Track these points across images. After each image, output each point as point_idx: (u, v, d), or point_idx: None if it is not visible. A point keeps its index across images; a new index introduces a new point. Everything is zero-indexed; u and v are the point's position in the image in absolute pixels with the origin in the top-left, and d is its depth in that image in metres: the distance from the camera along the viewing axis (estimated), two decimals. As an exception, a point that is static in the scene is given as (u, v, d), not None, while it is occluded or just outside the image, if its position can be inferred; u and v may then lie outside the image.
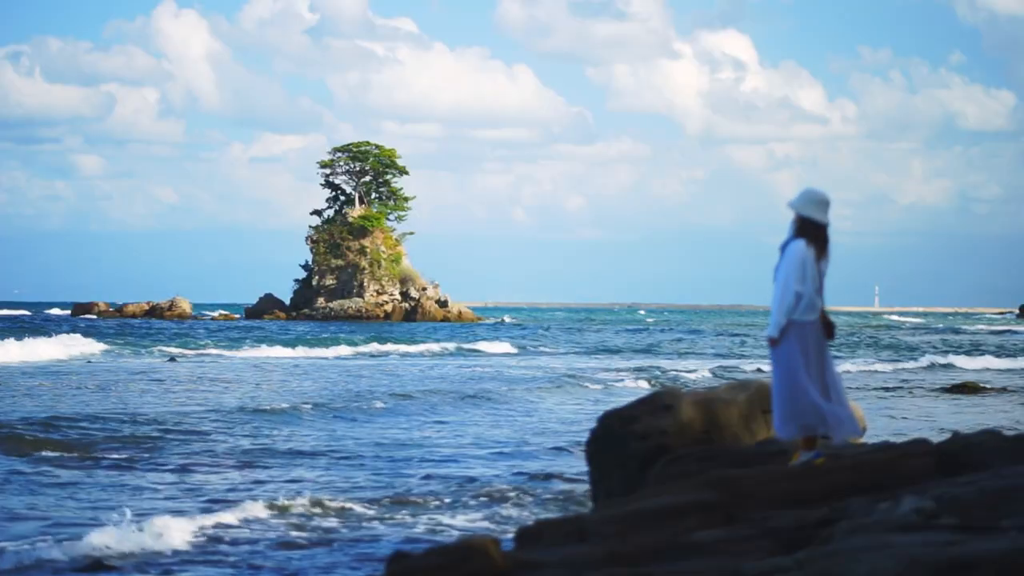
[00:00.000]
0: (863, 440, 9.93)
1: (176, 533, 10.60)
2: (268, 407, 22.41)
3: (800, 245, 8.51)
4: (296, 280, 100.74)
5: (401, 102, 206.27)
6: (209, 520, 11.27)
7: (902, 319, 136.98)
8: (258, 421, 20.40)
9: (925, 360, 43.94)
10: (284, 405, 22.83)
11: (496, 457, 16.50)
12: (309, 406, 22.64)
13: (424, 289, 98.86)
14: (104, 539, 10.26)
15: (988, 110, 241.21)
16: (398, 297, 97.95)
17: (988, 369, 40.00)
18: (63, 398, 24.22)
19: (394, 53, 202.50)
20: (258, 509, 11.86)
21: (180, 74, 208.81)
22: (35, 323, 79.64)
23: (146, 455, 16.18)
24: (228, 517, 11.48)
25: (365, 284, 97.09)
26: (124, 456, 16.03)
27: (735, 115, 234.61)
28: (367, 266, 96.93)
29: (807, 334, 8.51)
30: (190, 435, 18.26)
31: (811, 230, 8.53)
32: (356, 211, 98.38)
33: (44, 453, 16.09)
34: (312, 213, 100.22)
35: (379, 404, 23.81)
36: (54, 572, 9.62)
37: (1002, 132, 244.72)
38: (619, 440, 10.54)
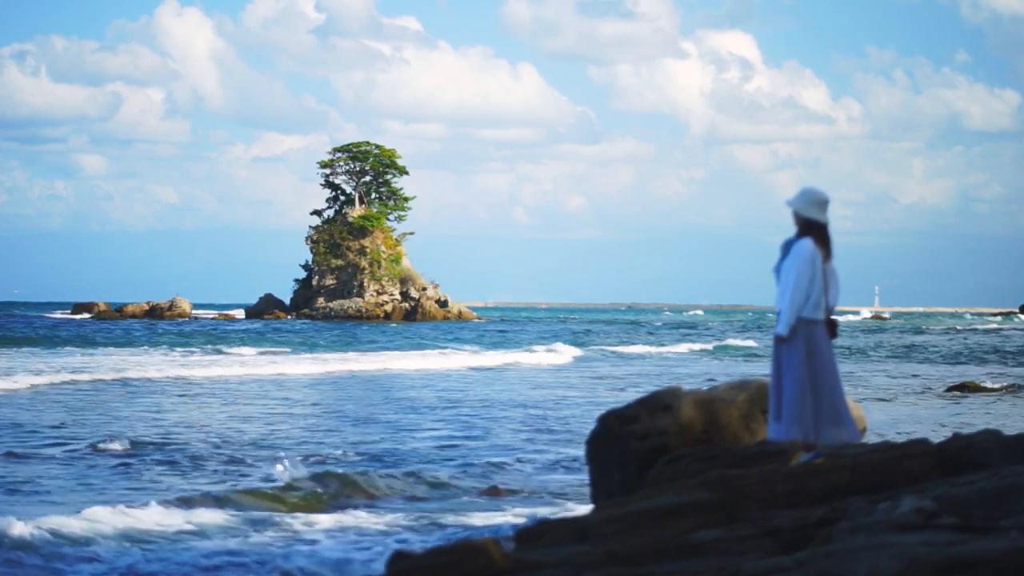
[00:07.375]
0: (863, 440, 9.93)
1: None
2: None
3: (808, 243, 8.51)
4: (296, 280, 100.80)
5: (405, 102, 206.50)
6: None
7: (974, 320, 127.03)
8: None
9: None
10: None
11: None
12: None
13: (424, 289, 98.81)
14: None
15: (992, 110, 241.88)
16: (398, 297, 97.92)
17: None
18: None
19: (400, 53, 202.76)
20: None
21: (185, 73, 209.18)
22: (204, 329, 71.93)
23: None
24: None
25: (365, 284, 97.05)
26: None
27: (739, 115, 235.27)
28: (367, 266, 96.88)
29: (815, 333, 8.50)
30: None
31: (813, 230, 8.54)
32: (356, 211, 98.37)
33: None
34: (312, 213, 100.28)
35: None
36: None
37: (1005, 132, 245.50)
38: (619, 440, 10.53)
